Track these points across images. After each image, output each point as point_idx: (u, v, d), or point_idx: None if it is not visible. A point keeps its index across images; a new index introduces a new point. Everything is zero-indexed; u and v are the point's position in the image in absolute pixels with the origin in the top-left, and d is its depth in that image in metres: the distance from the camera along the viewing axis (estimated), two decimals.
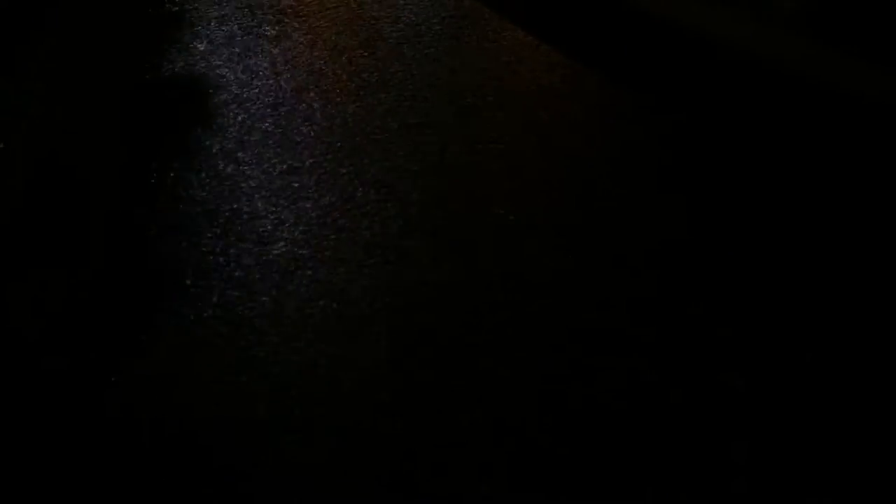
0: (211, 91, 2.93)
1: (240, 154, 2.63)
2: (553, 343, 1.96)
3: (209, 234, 2.32)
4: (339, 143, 2.66)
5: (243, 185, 2.50)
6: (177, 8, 3.48)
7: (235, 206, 2.42)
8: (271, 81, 2.98)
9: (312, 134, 2.71)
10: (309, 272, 2.19)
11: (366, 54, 3.11)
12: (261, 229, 2.33)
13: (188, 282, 2.16)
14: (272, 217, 2.38)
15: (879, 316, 1.99)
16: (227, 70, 3.04)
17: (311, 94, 2.90)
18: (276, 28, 3.32)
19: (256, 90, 2.93)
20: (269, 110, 2.83)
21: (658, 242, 2.24)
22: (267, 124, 2.77)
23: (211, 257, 2.24)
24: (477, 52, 3.09)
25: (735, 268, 2.16)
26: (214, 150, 2.64)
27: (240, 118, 2.79)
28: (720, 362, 1.90)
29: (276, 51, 3.16)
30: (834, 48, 2.64)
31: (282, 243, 2.28)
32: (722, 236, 2.26)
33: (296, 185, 2.49)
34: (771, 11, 2.89)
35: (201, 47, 3.18)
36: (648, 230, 2.28)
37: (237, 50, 3.15)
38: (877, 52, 2.56)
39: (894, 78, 2.45)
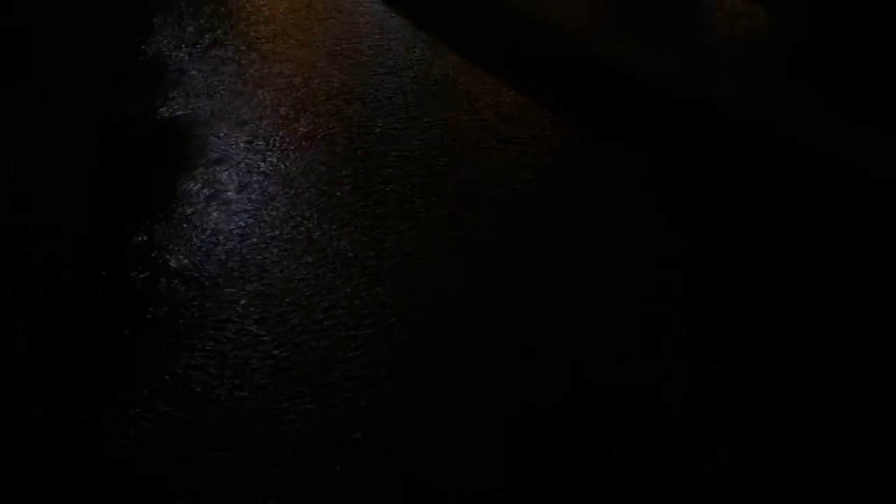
0: (188, 136, 2.95)
1: (214, 203, 2.63)
2: (537, 387, 1.96)
3: (182, 279, 2.33)
4: (316, 191, 2.67)
5: (217, 230, 2.51)
6: (157, 53, 3.53)
7: (208, 253, 2.42)
8: (245, 121, 3.01)
9: (288, 179, 2.73)
10: (290, 314, 2.20)
11: (346, 98, 3.15)
12: (236, 273, 2.34)
13: (162, 330, 2.16)
14: (248, 260, 2.39)
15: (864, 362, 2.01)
16: (205, 114, 3.07)
17: (291, 141, 2.92)
18: (255, 69, 3.36)
19: (232, 135, 2.95)
20: (244, 154, 2.85)
21: (637, 289, 2.26)
22: (243, 168, 2.79)
23: (180, 308, 2.23)
24: (461, 103, 3.13)
25: (715, 310, 2.18)
26: (192, 197, 2.65)
27: (216, 164, 2.81)
28: (705, 403, 1.91)
29: (254, 91, 3.20)
30: (805, 102, 2.70)
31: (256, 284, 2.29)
32: (698, 285, 2.27)
33: (267, 230, 2.51)
34: (739, 65, 2.98)
35: (182, 91, 3.21)
36: (628, 276, 2.30)
37: (216, 96, 3.18)
38: (852, 107, 2.64)
39: (866, 131, 2.51)
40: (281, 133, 2.93)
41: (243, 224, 2.50)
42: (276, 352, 2.06)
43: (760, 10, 3.41)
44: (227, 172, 2.74)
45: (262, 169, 2.75)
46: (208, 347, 2.07)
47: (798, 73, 2.99)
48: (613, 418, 1.86)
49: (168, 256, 2.38)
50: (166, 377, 1.99)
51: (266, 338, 2.10)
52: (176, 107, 3.11)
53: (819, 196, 2.44)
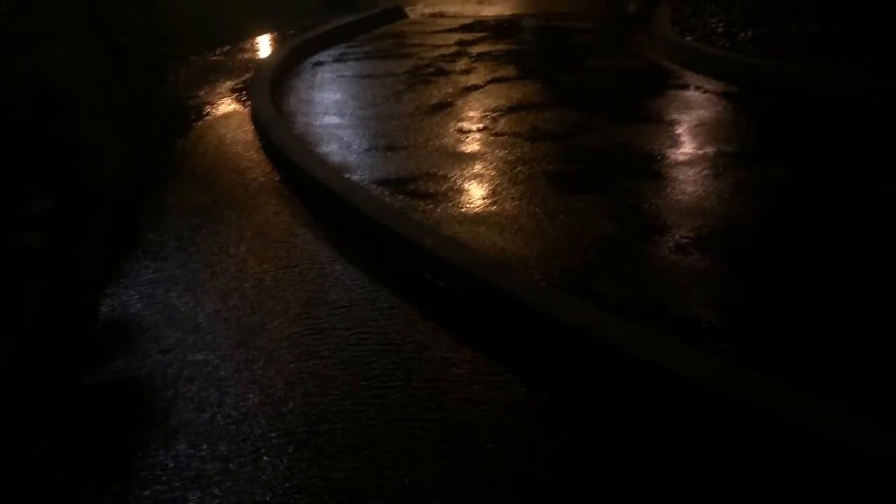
0: (148, 401, 2.96)
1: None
2: None
3: None
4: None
5: None
6: (120, 307, 3.56)
7: None
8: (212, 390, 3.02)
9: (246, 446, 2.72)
10: None
11: (310, 365, 3.15)
12: None
13: None
14: None
15: None
16: (170, 383, 3.07)
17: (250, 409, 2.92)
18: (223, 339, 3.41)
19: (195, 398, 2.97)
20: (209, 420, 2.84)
21: None
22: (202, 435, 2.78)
23: None
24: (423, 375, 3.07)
25: None
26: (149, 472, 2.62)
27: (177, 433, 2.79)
28: None
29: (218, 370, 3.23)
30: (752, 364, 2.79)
31: None
32: None
33: None
34: (687, 325, 3.07)
35: (146, 354, 3.23)
36: None
37: (187, 370, 3.16)
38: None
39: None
40: (242, 401, 2.94)
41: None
42: None
43: (715, 267, 3.53)
44: (188, 442, 2.72)
45: (224, 438, 2.74)
46: None
47: (748, 332, 3.04)
48: None
49: None
50: None
51: None
52: (135, 367, 3.14)
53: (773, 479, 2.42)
